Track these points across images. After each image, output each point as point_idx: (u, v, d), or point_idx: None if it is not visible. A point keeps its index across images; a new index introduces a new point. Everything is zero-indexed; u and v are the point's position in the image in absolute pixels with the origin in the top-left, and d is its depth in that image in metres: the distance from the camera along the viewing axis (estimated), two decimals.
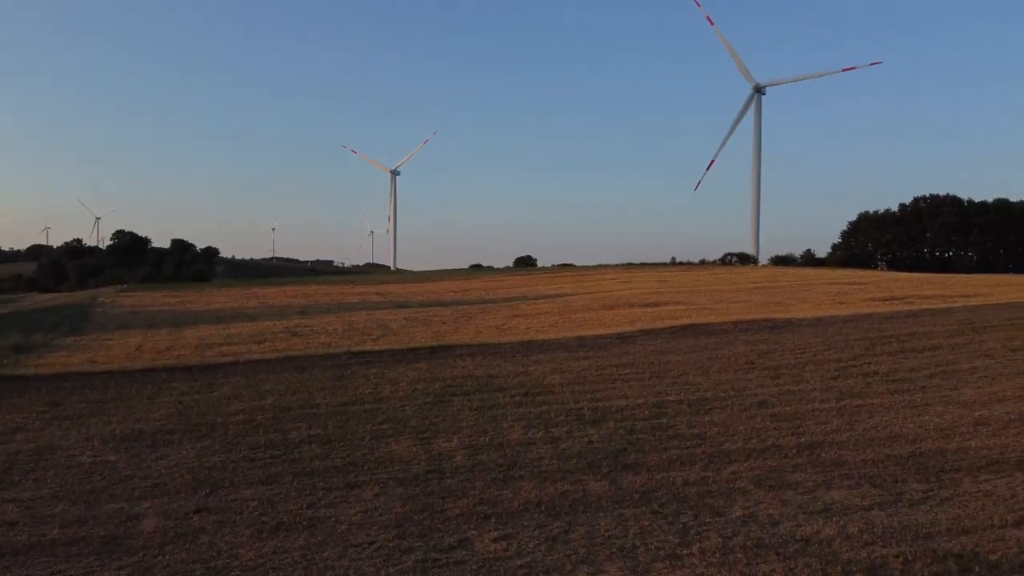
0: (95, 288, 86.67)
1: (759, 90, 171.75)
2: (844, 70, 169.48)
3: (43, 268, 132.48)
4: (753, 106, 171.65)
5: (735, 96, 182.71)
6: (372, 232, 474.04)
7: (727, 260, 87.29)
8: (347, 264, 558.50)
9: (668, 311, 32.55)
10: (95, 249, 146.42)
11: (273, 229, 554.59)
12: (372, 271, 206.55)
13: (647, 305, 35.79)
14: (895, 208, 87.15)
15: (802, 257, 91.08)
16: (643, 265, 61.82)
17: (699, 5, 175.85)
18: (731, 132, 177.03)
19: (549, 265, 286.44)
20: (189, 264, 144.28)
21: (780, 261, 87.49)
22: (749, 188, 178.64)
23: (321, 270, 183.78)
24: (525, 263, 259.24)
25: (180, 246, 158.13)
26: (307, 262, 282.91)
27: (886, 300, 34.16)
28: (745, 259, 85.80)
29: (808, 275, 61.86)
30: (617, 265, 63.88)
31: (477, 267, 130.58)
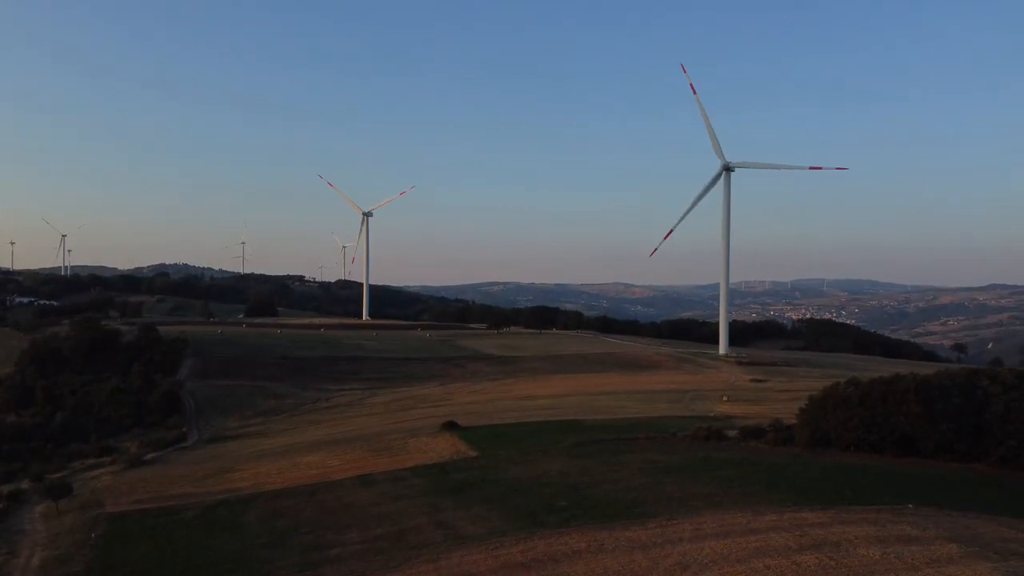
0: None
1: (728, 168, 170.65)
2: (812, 168, 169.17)
3: (12, 391, 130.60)
4: (722, 183, 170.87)
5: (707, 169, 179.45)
6: (344, 247, 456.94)
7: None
8: (318, 280, 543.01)
9: None
10: (62, 351, 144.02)
11: (243, 243, 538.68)
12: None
13: None
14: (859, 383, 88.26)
15: (770, 427, 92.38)
16: None
17: (684, 71, 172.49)
18: (694, 204, 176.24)
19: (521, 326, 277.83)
20: (159, 365, 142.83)
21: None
22: (720, 267, 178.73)
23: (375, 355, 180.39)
24: (497, 323, 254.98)
25: (148, 336, 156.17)
26: (277, 307, 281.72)
27: None
28: None
29: None
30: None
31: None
